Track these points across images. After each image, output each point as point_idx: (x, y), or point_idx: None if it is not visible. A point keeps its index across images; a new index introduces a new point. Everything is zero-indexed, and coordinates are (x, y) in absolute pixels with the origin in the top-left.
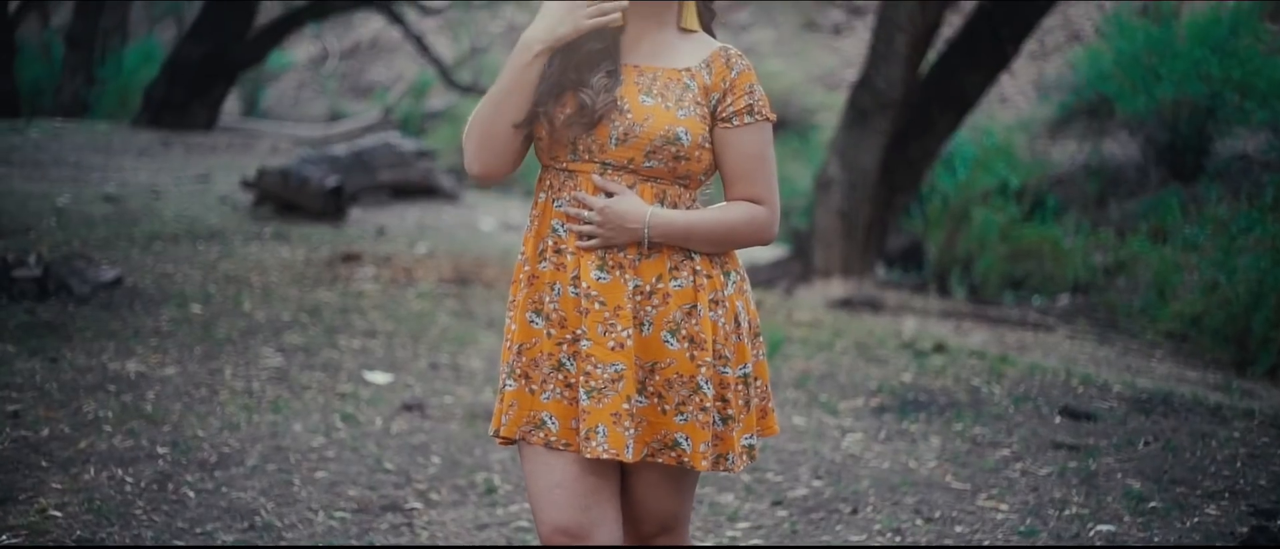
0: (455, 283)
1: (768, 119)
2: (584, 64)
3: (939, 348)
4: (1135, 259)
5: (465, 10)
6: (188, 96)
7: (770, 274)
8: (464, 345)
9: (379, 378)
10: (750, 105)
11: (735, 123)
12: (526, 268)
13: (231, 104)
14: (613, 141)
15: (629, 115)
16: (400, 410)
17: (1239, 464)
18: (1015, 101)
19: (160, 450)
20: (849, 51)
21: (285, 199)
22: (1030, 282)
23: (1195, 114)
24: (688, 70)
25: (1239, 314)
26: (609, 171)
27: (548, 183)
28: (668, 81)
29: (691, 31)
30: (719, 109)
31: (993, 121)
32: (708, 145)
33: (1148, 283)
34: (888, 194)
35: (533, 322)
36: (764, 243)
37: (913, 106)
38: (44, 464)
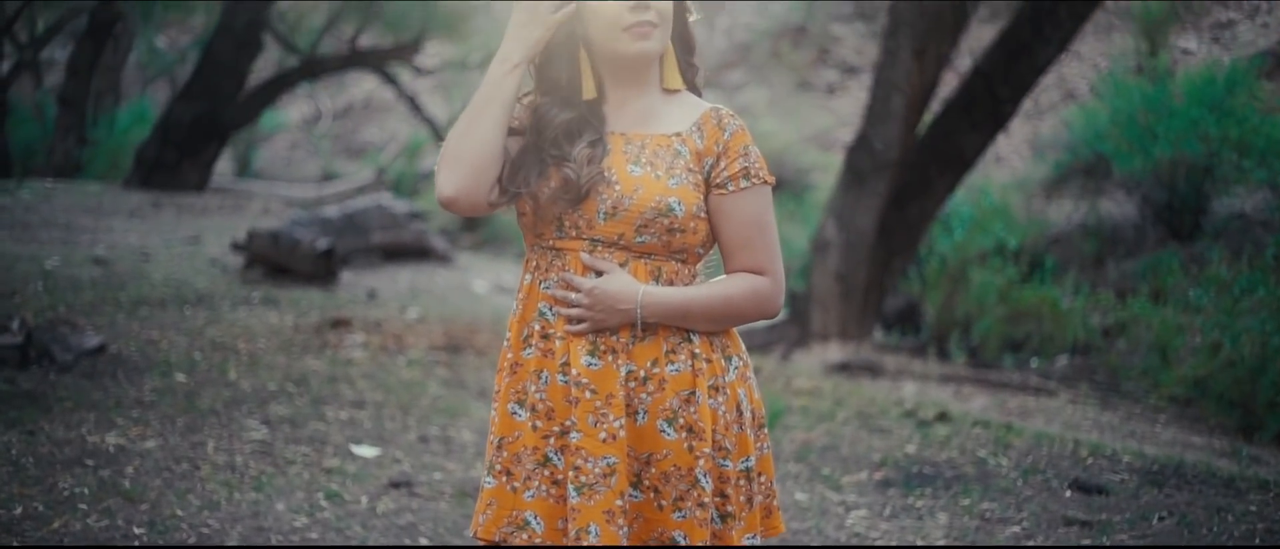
0: (447, 349)
1: (765, 182)
2: (564, 135)
3: (942, 416)
4: (1135, 320)
5: (458, 71)
6: (179, 157)
7: (767, 338)
8: (454, 417)
9: (366, 451)
10: (746, 169)
11: (731, 188)
12: (510, 355)
13: (224, 164)
14: (601, 216)
15: (617, 187)
16: (387, 487)
17: (1257, 539)
18: (1011, 161)
19: (137, 531)
20: (843, 111)
21: (276, 262)
22: (1030, 344)
23: (1192, 173)
24: (678, 135)
25: (1244, 378)
26: (599, 248)
27: (534, 263)
28: (657, 149)
29: (676, 91)
30: (713, 175)
31: (989, 181)
32: (704, 215)
33: (1149, 344)
34: (885, 256)
35: (515, 413)
36: (769, 317)
37: (910, 167)
38: (15, 545)
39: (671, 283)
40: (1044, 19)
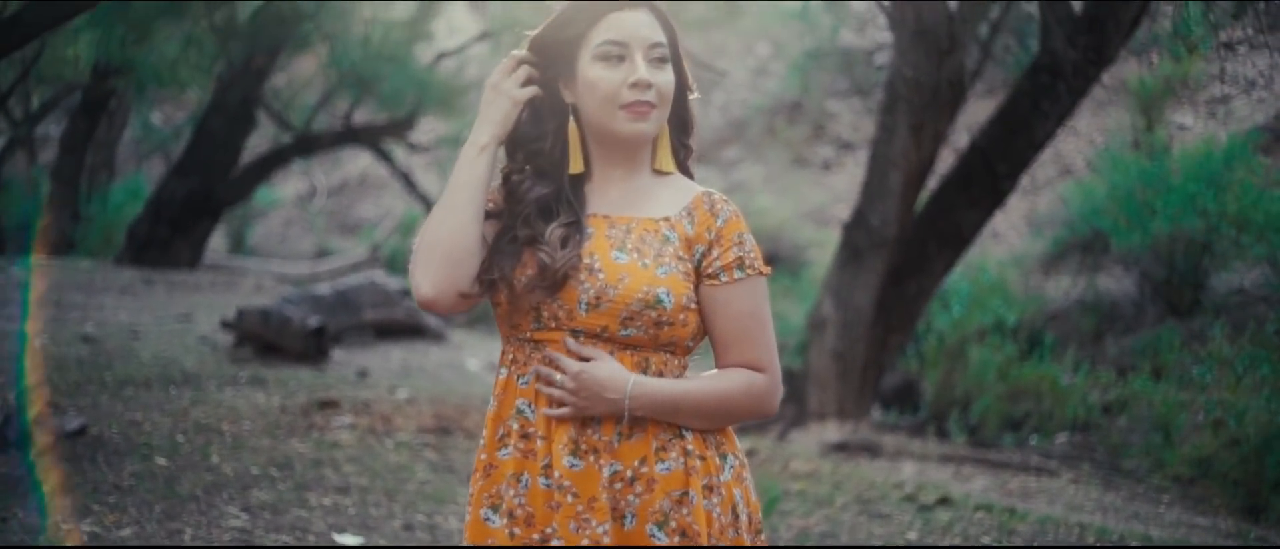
0: (435, 432)
1: (761, 273)
2: (538, 212)
3: (943, 500)
4: (1136, 398)
5: (452, 147)
6: (172, 234)
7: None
8: (441, 503)
9: (349, 540)
10: (741, 258)
11: (724, 279)
12: (484, 455)
13: (218, 241)
14: (582, 307)
15: (601, 275)
16: None
17: None
18: (1008, 237)
19: None
20: (839, 187)
21: (266, 340)
22: (1029, 422)
23: (1191, 248)
24: (667, 220)
25: (1249, 457)
26: (581, 341)
27: (510, 356)
28: (644, 234)
29: (666, 173)
30: (705, 263)
31: (986, 257)
32: (694, 306)
33: (1150, 422)
34: (883, 333)
35: (489, 519)
36: (765, 416)
37: (908, 244)
38: None
39: (660, 375)
40: (1042, 94)
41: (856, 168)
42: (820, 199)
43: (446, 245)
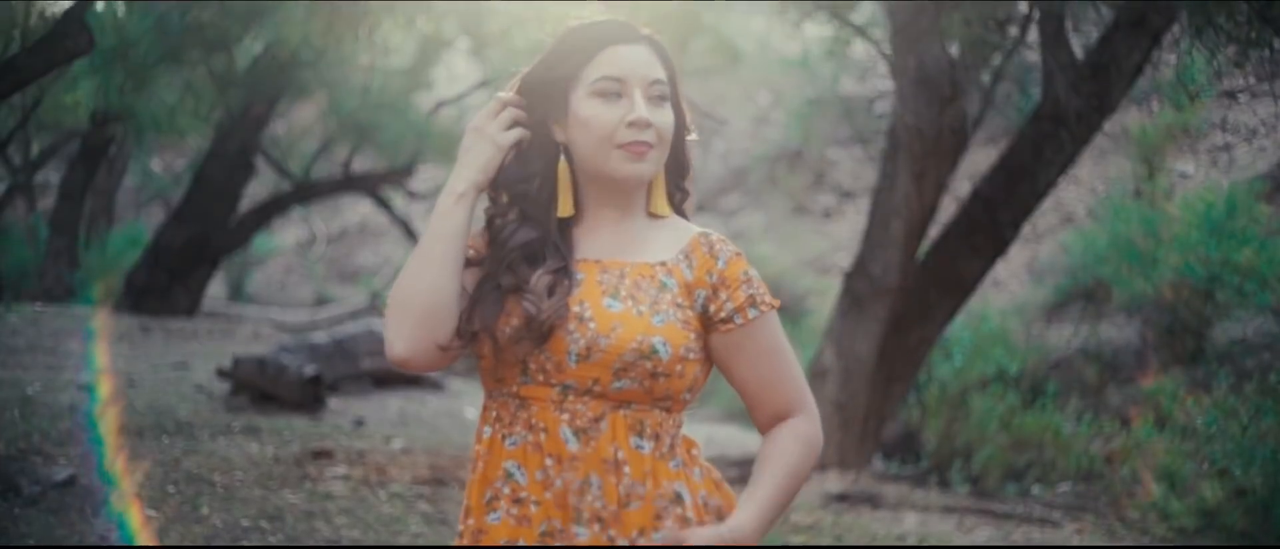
0: (431, 483)
1: (772, 306)
2: (523, 257)
3: None
4: (1139, 447)
5: None
6: (170, 281)
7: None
8: None
9: None
10: (752, 297)
11: (738, 322)
12: (471, 521)
13: (218, 288)
14: (572, 358)
15: (592, 325)
16: None
17: None
18: (1009, 285)
19: None
20: (840, 235)
21: (262, 389)
22: (1032, 472)
23: (1194, 297)
24: (663, 265)
25: (1255, 507)
26: (570, 396)
27: (494, 413)
28: (639, 280)
29: (662, 217)
30: (713, 310)
31: (987, 306)
32: (692, 357)
33: (1154, 472)
34: (885, 383)
35: None
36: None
37: (909, 293)
38: None
39: (656, 436)
40: (1044, 142)
41: (857, 216)
42: (821, 247)
43: (422, 301)
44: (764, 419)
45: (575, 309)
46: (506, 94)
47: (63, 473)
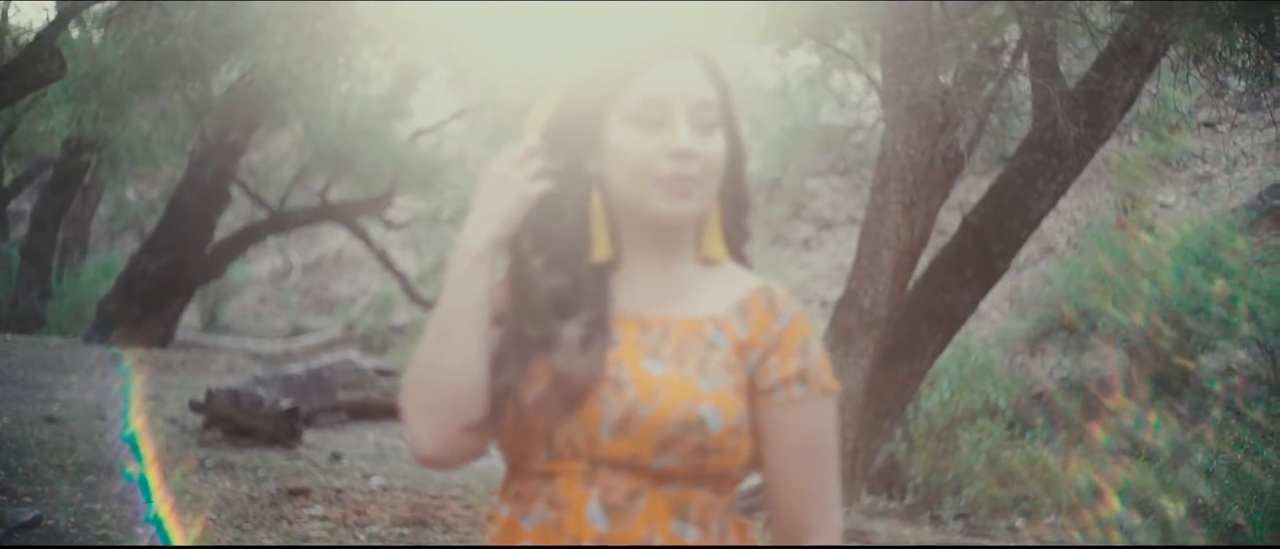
0: (411, 524)
1: (827, 391)
2: (552, 307)
3: None
4: (1127, 480)
5: (429, 225)
6: (143, 311)
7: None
8: None
9: None
10: (803, 371)
11: (780, 396)
12: None
13: (192, 318)
14: (607, 430)
15: (629, 390)
16: None
17: None
18: (990, 316)
19: None
20: (819, 265)
21: (236, 422)
22: (1020, 506)
23: (1178, 328)
24: (713, 320)
25: (1251, 543)
26: (603, 469)
27: (514, 491)
28: (685, 338)
29: (715, 262)
30: (759, 374)
31: (969, 337)
32: (747, 428)
33: (1142, 505)
34: (874, 418)
35: None
36: None
37: (898, 325)
38: None
39: (703, 522)
40: (1036, 172)
41: (836, 246)
42: (800, 278)
43: (447, 390)
44: (777, 524)
45: (612, 372)
46: (534, 140)
47: (26, 514)
